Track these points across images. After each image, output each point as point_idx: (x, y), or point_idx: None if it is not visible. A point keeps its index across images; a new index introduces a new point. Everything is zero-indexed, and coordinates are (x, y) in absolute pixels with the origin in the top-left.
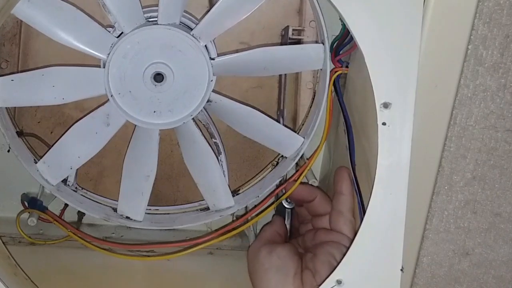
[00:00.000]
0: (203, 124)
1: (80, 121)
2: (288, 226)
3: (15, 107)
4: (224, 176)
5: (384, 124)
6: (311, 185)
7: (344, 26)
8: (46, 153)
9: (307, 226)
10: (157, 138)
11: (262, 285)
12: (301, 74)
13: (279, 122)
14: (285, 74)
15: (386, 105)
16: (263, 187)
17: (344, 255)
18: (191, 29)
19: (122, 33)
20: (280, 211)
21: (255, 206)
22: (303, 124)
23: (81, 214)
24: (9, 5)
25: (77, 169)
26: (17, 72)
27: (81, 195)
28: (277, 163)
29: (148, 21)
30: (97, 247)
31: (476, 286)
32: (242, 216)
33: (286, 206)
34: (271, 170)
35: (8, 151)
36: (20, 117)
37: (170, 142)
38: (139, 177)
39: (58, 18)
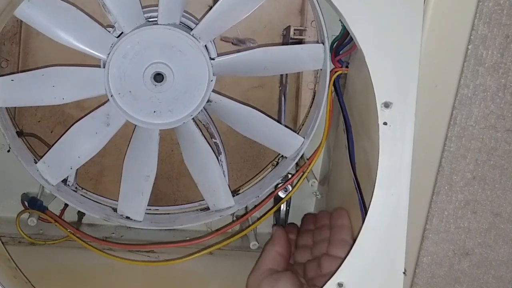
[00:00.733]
0: (203, 124)
1: (80, 121)
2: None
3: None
4: (224, 176)
5: (385, 124)
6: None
7: (344, 26)
8: (46, 153)
9: (305, 253)
10: (157, 138)
11: None
12: (302, 74)
13: (279, 121)
14: (286, 74)
15: (387, 105)
16: (263, 187)
17: (346, 257)
18: (191, 29)
19: (122, 33)
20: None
21: (255, 206)
22: (303, 124)
23: (81, 214)
24: (11, 6)
25: (77, 169)
26: (18, 71)
27: (81, 195)
28: (277, 163)
29: (148, 21)
30: (97, 249)
31: (476, 286)
32: (242, 216)
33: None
34: (271, 170)
35: (8, 151)
36: (20, 116)
37: (170, 142)
38: (139, 177)
39: (58, 18)
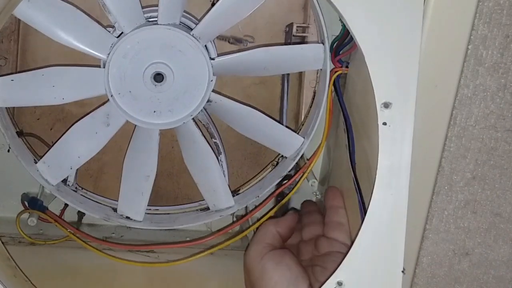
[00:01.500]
0: (203, 124)
1: (80, 121)
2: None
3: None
4: (224, 176)
5: (384, 124)
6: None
7: (344, 26)
8: (46, 153)
9: (296, 236)
10: (157, 138)
11: None
12: (304, 72)
13: (281, 119)
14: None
15: (386, 105)
16: (263, 187)
17: (345, 256)
18: (191, 29)
19: (122, 33)
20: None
21: (256, 206)
22: (303, 124)
23: (81, 214)
24: (10, 5)
25: (77, 169)
26: (16, 69)
27: (81, 195)
28: (277, 163)
29: (148, 21)
30: (97, 249)
31: (476, 286)
32: (242, 216)
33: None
34: (271, 170)
35: (8, 151)
36: (19, 114)
37: (171, 138)
38: (139, 177)
39: (58, 18)
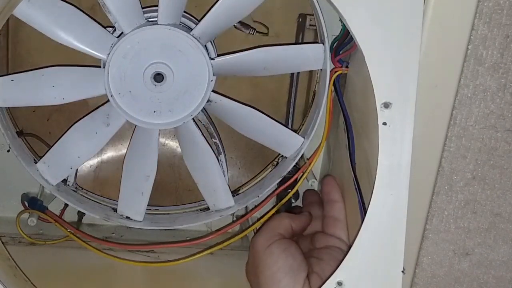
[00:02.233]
0: (203, 124)
1: (80, 121)
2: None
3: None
4: (224, 176)
5: (384, 124)
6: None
7: (344, 26)
8: (46, 153)
9: None
10: (157, 138)
11: (268, 283)
12: None
13: (288, 114)
14: None
15: (386, 105)
16: (263, 187)
17: (345, 256)
18: (191, 29)
19: (122, 33)
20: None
21: (256, 206)
22: (303, 124)
23: (81, 214)
24: (10, 6)
25: (76, 169)
26: (7, 63)
27: (81, 195)
28: (277, 163)
29: (148, 21)
30: (97, 249)
31: (476, 286)
32: (242, 216)
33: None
34: (271, 170)
35: (8, 151)
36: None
37: (171, 130)
38: (139, 177)
39: (58, 18)
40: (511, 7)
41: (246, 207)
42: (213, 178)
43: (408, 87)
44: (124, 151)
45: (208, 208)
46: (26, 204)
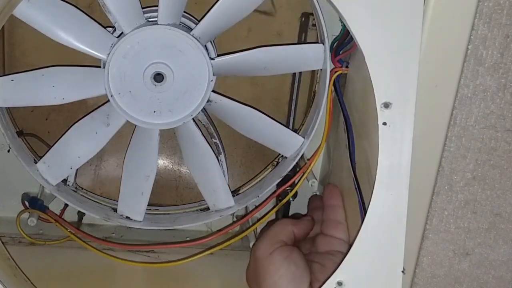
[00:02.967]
0: (203, 124)
1: (80, 121)
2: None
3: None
4: (224, 176)
5: (384, 124)
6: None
7: (344, 26)
8: (46, 153)
9: None
10: (157, 138)
11: None
12: None
13: (289, 113)
14: None
15: (386, 105)
16: (263, 187)
17: (345, 256)
18: (191, 29)
19: (122, 33)
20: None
21: (256, 207)
22: (303, 124)
23: (81, 214)
24: (10, 6)
25: (76, 169)
26: (3, 64)
27: (81, 195)
28: (277, 163)
29: (148, 21)
30: (97, 249)
31: (476, 286)
32: (242, 217)
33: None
34: (271, 170)
35: (8, 151)
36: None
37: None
38: (139, 177)
39: (58, 18)
40: (511, 7)
41: (246, 207)
42: (213, 178)
43: (408, 87)
44: (124, 150)
45: (208, 208)
46: (27, 204)
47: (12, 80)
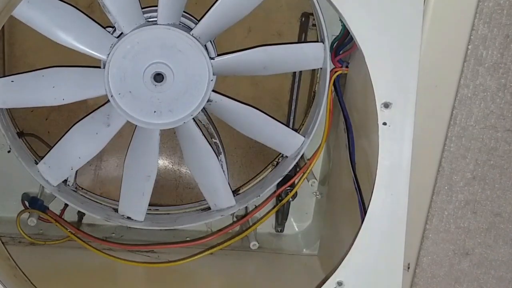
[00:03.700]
0: (203, 124)
1: (81, 121)
2: None
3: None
4: (225, 176)
5: (384, 124)
6: None
7: (344, 26)
8: (46, 154)
9: None
10: (157, 138)
11: None
12: None
13: (289, 113)
14: None
15: (386, 105)
16: (264, 186)
17: (345, 256)
18: (191, 29)
19: (122, 33)
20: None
21: (256, 207)
22: (303, 124)
23: (81, 214)
24: (10, 6)
25: (76, 170)
26: (4, 64)
27: (82, 195)
28: (277, 163)
29: (148, 21)
30: (97, 249)
31: (476, 286)
32: (242, 217)
33: None
34: (271, 170)
35: (9, 152)
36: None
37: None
38: (140, 177)
39: (58, 19)
40: (511, 7)
41: (246, 207)
42: (214, 177)
43: (408, 87)
44: (124, 150)
45: (209, 208)
46: (27, 204)
47: (12, 81)
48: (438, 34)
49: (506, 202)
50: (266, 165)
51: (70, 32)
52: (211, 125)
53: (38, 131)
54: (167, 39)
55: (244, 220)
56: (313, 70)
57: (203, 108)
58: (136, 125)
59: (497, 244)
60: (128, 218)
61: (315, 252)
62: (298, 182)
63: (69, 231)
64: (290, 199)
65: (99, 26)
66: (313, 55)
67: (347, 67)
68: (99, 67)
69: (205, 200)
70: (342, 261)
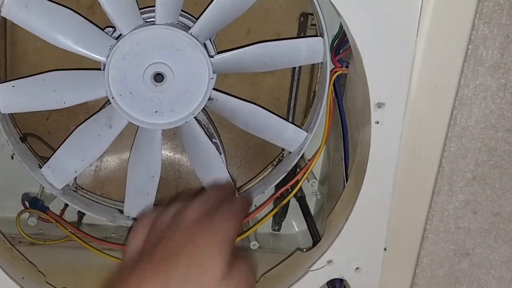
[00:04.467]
0: (203, 124)
1: (83, 124)
2: None
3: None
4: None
5: (377, 122)
6: None
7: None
8: (50, 157)
9: None
10: (160, 138)
11: None
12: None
13: (288, 113)
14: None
15: (379, 105)
16: (268, 183)
17: (336, 238)
18: (190, 28)
19: (121, 34)
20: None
21: (256, 208)
22: (303, 124)
23: (81, 214)
24: None
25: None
26: (6, 63)
27: (87, 198)
28: (280, 160)
29: (146, 21)
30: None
31: (476, 286)
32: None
33: None
34: (275, 166)
35: (12, 157)
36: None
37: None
38: (144, 178)
39: (56, 23)
40: (511, 7)
41: None
42: (217, 175)
43: (400, 89)
44: (124, 151)
45: None
46: (27, 204)
47: (13, 86)
48: (438, 34)
49: (506, 202)
50: (265, 165)
51: (69, 36)
52: (211, 125)
53: (39, 131)
54: (165, 38)
55: (245, 220)
56: (313, 70)
57: (203, 108)
58: (137, 126)
59: (497, 244)
60: (134, 219)
61: None
62: (299, 182)
63: (70, 231)
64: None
65: (97, 28)
66: (313, 49)
67: (347, 67)
68: (100, 68)
69: None
70: (332, 243)
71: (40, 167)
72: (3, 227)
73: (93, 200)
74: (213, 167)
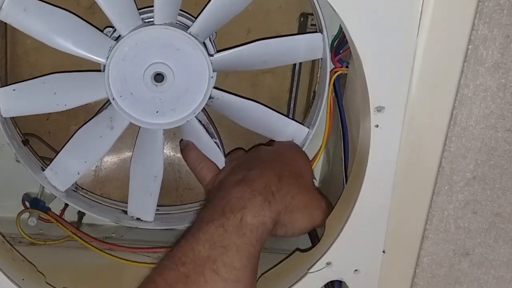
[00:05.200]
0: (203, 124)
1: (84, 126)
2: None
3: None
4: None
5: (376, 126)
6: None
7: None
8: (52, 160)
9: None
10: (161, 138)
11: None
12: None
13: (288, 113)
14: (300, 63)
15: (379, 109)
16: None
17: (335, 240)
18: (189, 27)
19: (120, 35)
20: None
21: None
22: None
23: (81, 214)
24: None
25: None
26: (6, 63)
27: (88, 198)
28: None
29: (145, 22)
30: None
31: (476, 286)
32: None
33: None
34: None
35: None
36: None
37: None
38: (147, 178)
39: (55, 25)
40: (511, 7)
41: None
42: None
43: (400, 93)
44: (124, 151)
45: None
46: (28, 204)
47: (14, 89)
48: (438, 34)
49: (506, 202)
50: None
51: (68, 38)
52: (211, 125)
53: (39, 131)
54: (165, 38)
55: None
56: (313, 70)
57: (203, 108)
58: (139, 127)
59: (497, 244)
60: (138, 219)
61: None
62: None
63: (70, 231)
64: None
65: (97, 30)
66: (312, 45)
67: (347, 67)
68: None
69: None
70: (331, 245)
71: (43, 170)
72: (3, 227)
73: (94, 201)
74: None
